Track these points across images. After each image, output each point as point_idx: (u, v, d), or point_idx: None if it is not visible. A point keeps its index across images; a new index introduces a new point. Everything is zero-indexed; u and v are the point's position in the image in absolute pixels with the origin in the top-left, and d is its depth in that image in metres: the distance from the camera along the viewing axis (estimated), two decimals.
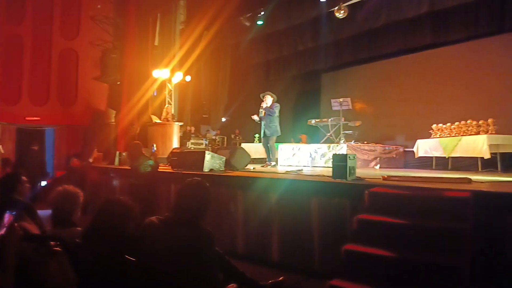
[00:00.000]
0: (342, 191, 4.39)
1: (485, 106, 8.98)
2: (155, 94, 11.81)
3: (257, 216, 5.05)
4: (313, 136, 11.33)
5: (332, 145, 8.87)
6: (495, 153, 7.14)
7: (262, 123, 8.11)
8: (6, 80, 14.75)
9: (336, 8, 9.34)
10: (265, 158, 8.53)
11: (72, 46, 15.42)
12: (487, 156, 6.99)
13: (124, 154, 9.06)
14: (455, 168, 7.99)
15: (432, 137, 8.59)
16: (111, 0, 13.92)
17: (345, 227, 4.03)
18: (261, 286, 3.34)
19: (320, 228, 4.44)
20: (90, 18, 14.61)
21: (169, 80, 11.38)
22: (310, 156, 9.12)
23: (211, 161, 6.51)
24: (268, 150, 8.23)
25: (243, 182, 5.50)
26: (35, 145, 12.61)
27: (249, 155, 7.57)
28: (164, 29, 12.28)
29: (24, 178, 3.92)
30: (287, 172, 6.41)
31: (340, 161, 4.66)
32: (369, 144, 9.37)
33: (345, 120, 9.73)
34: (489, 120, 7.44)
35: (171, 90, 11.54)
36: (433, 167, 8.49)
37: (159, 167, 6.83)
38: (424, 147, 8.57)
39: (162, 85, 11.49)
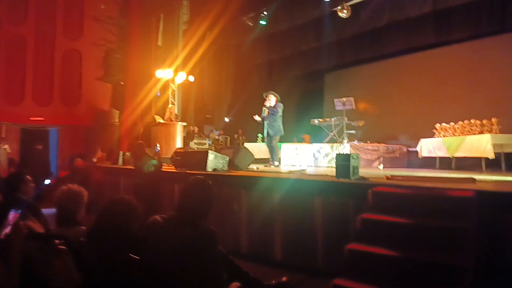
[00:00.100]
0: (346, 191, 4.39)
1: (488, 106, 8.95)
2: (158, 94, 11.85)
3: (261, 216, 5.05)
4: (316, 136, 11.31)
5: (335, 144, 8.86)
6: (499, 153, 7.11)
7: (265, 123, 8.11)
8: (10, 81, 14.83)
9: (339, 7, 9.34)
10: (268, 158, 8.53)
11: (75, 46, 15.49)
12: (491, 156, 6.96)
13: (127, 154, 9.09)
14: (459, 168, 7.96)
15: (435, 136, 8.57)
16: (115, 0, 13.97)
17: (348, 227, 4.02)
18: (264, 285, 3.35)
19: (323, 228, 4.43)
20: (93, 19, 14.67)
21: (173, 80, 11.40)
22: (313, 156, 9.11)
23: (215, 161, 6.52)
24: (271, 150, 8.23)
25: (246, 182, 5.50)
26: (39, 144, 12.68)
27: (252, 155, 7.57)
28: (167, 29, 12.31)
29: (28, 177, 3.94)
30: (290, 172, 6.40)
31: (343, 161, 4.65)
32: (372, 144, 9.35)
33: (348, 120, 9.72)
34: (493, 120, 7.41)
35: (174, 90, 11.56)
36: (437, 166, 8.47)
37: (163, 167, 6.86)
38: (427, 147, 8.55)
39: (166, 85, 11.52)
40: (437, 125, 8.63)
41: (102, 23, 14.40)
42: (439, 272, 2.97)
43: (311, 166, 8.90)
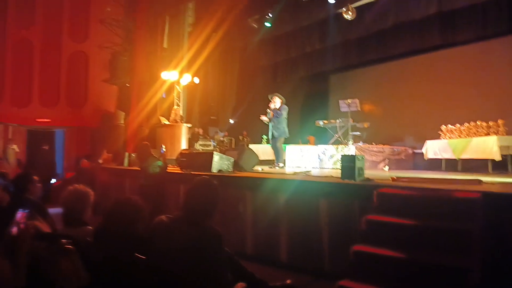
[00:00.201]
0: (351, 192, 4.38)
1: (495, 107, 8.90)
2: (163, 96, 11.91)
3: (266, 217, 5.05)
4: (321, 137, 11.30)
5: (340, 146, 8.85)
6: (506, 155, 7.06)
7: (270, 124, 8.13)
8: (17, 83, 14.96)
9: (344, 9, 9.34)
10: (273, 160, 8.53)
11: (81, 48, 15.59)
12: (497, 158, 6.91)
13: (133, 155, 9.13)
14: (465, 170, 7.92)
15: (441, 138, 8.53)
16: (121, 3, 14.06)
17: (354, 228, 4.02)
18: (270, 287, 3.35)
19: (328, 229, 4.43)
20: (99, 21, 14.77)
21: (178, 82, 11.45)
22: (318, 158, 9.10)
23: (220, 162, 6.54)
24: (276, 151, 8.23)
25: (251, 183, 5.51)
26: (46, 146, 12.78)
27: (257, 156, 7.58)
28: (172, 32, 12.37)
29: (35, 177, 3.98)
30: (295, 173, 6.40)
31: (348, 162, 4.65)
32: (378, 146, 9.32)
33: (353, 121, 9.69)
34: (499, 121, 7.37)
35: (179, 92, 11.61)
36: (443, 168, 8.43)
37: (168, 168, 6.88)
38: (433, 149, 8.51)
39: (171, 87, 11.57)
40: (443, 127, 8.59)
41: (108, 26, 14.50)
42: (444, 274, 2.96)
43: (316, 167, 8.88)
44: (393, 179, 4.69)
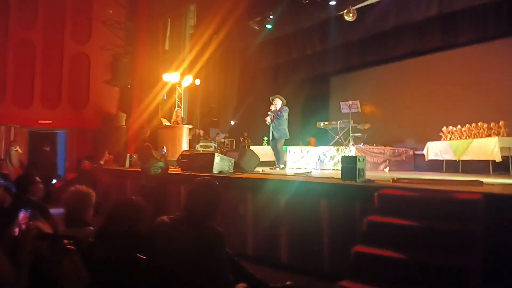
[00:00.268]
0: (352, 193, 4.38)
1: (496, 109, 8.90)
2: (165, 97, 11.94)
3: (267, 218, 5.06)
4: (322, 138, 11.31)
5: (341, 147, 8.85)
6: (507, 156, 7.06)
7: (271, 126, 8.15)
8: (19, 84, 14.97)
9: (345, 11, 9.35)
10: (274, 161, 8.54)
11: (83, 50, 15.60)
12: (498, 159, 6.92)
13: (134, 156, 9.15)
14: (466, 171, 7.92)
15: (442, 139, 8.53)
16: (123, 5, 14.10)
17: (354, 229, 4.02)
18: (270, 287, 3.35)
19: (329, 230, 4.43)
20: (101, 23, 14.81)
21: (179, 84, 11.48)
22: (319, 159, 9.10)
23: (221, 163, 6.55)
24: (276, 152, 8.24)
25: (252, 184, 5.51)
26: (47, 147, 12.80)
27: (258, 157, 7.59)
28: (174, 34, 12.41)
29: (37, 178, 3.99)
30: (296, 174, 6.41)
31: (349, 163, 4.65)
32: (379, 147, 9.32)
33: (354, 123, 9.71)
34: (501, 123, 7.37)
35: (181, 94, 11.63)
36: (444, 170, 8.43)
37: (169, 169, 6.90)
38: (434, 150, 8.51)
39: (172, 89, 11.60)
40: (444, 128, 8.59)
41: (110, 28, 14.55)
42: (446, 275, 2.96)
43: (317, 169, 8.89)
44: (394, 180, 4.69)
